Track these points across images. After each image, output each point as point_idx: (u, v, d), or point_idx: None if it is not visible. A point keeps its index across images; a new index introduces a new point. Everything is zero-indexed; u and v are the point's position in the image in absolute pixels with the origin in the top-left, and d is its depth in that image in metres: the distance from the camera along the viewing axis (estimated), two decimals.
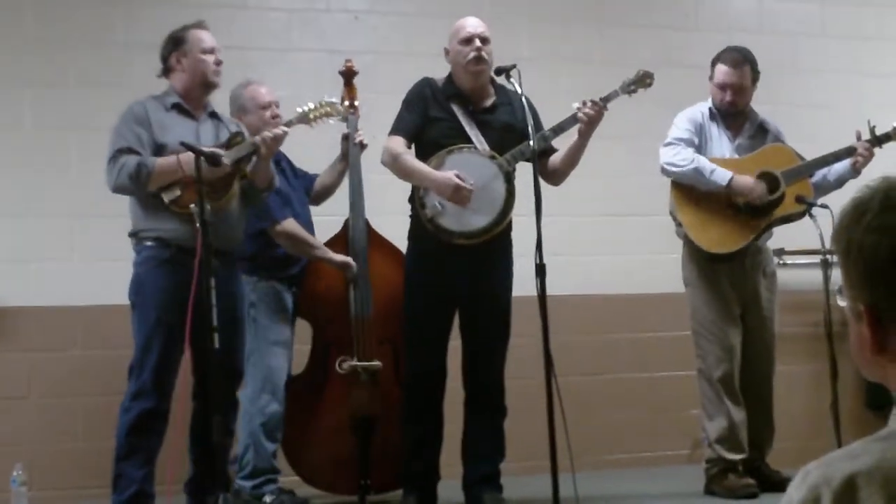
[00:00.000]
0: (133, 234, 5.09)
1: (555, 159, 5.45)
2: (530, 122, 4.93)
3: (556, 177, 5.48)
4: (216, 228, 4.76)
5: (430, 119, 5.35)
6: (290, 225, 5.55)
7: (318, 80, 5.88)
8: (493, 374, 5.40)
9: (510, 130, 5.34)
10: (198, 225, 4.55)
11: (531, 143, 4.95)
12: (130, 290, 5.07)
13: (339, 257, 5.59)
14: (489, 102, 5.45)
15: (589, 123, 5.23)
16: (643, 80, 5.42)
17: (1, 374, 6.10)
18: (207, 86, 5.18)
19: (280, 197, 5.54)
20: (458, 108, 5.37)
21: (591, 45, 7.22)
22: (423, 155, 5.32)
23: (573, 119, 5.25)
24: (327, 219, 5.89)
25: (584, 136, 5.28)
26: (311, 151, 5.97)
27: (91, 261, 6.16)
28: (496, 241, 5.31)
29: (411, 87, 5.46)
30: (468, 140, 5.31)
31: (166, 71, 5.20)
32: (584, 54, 7.16)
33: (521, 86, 4.94)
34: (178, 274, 4.86)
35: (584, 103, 5.24)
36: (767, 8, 7.66)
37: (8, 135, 6.27)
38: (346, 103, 5.79)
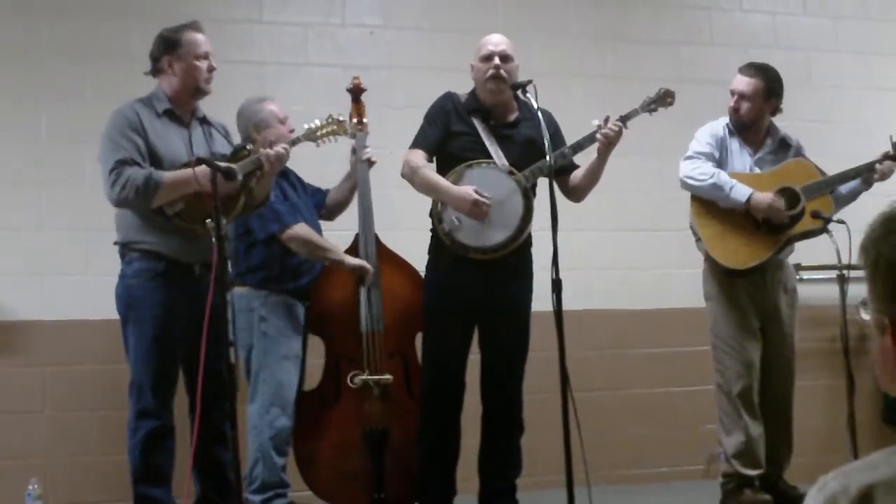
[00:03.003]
0: (123, 245, 5.03)
1: (576, 176, 5.44)
2: (546, 136, 4.89)
3: (576, 194, 5.48)
4: (203, 241, 4.73)
5: (451, 133, 5.35)
6: (302, 228, 5.53)
7: (332, 95, 5.88)
8: (511, 389, 5.38)
9: (531, 146, 5.30)
10: (214, 240, 4.41)
11: (548, 158, 4.92)
12: (121, 304, 5.00)
13: (354, 260, 5.57)
14: (512, 118, 5.44)
15: (608, 143, 5.22)
16: (664, 99, 5.41)
17: (16, 387, 6.11)
18: (199, 92, 5.10)
19: (290, 204, 5.55)
20: (479, 123, 5.36)
21: (605, 60, 7.23)
22: (443, 169, 5.32)
23: (592, 137, 5.24)
24: (338, 233, 5.88)
25: (604, 155, 5.27)
26: (322, 167, 5.98)
27: (106, 274, 6.11)
28: (516, 255, 5.30)
29: (434, 102, 5.46)
30: (488, 155, 5.30)
31: (156, 71, 5.12)
32: (597, 69, 7.16)
33: (536, 101, 4.93)
34: (172, 288, 4.86)
35: (606, 121, 5.23)
36: (782, 23, 7.66)
37: (23, 148, 6.27)
38: (354, 120, 5.81)
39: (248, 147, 5.05)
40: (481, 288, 5.23)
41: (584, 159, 5.42)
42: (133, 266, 4.97)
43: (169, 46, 5.07)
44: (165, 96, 5.08)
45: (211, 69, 5.08)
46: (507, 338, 5.37)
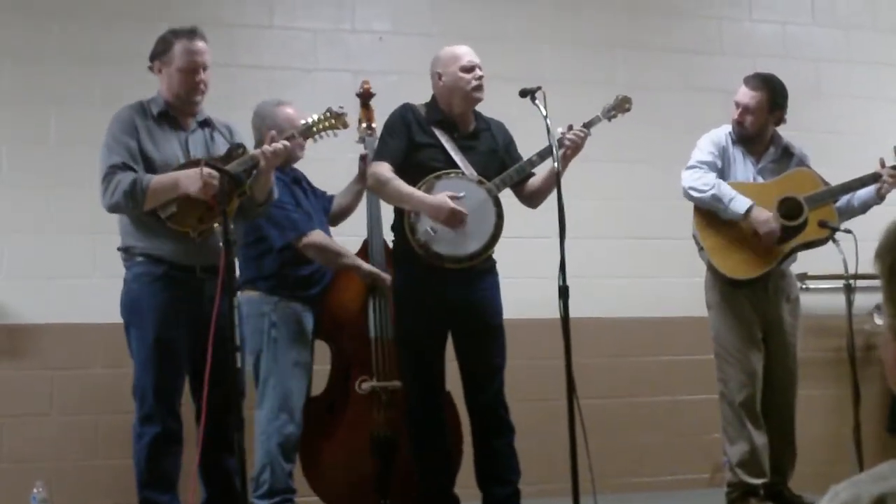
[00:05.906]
0: (124, 250, 5.00)
1: (533, 183, 5.47)
2: (554, 143, 4.91)
3: (534, 199, 5.49)
4: (205, 244, 4.74)
5: (414, 144, 5.32)
6: (318, 235, 5.54)
7: (342, 100, 5.84)
8: (494, 392, 5.32)
9: (493, 156, 5.39)
10: (221, 244, 4.42)
11: (555, 164, 4.93)
12: (123, 308, 4.98)
13: (369, 267, 5.60)
14: (471, 128, 5.45)
15: (573, 149, 5.26)
16: (622, 105, 5.49)
17: (22, 391, 6.12)
18: (187, 102, 5.02)
19: (304, 211, 5.55)
20: (441, 134, 5.35)
21: (615, 69, 7.23)
22: (408, 180, 5.23)
23: (559, 143, 5.23)
24: (346, 239, 5.89)
25: (567, 161, 5.28)
26: (330, 171, 5.99)
27: (113, 277, 6.10)
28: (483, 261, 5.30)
29: (392, 113, 5.43)
30: (454, 165, 5.29)
31: (152, 71, 5.06)
32: (606, 77, 7.16)
33: (545, 107, 4.92)
34: (172, 291, 4.83)
35: (570, 128, 5.27)
36: (791, 33, 7.67)
37: (32, 151, 6.30)
38: (364, 125, 5.85)
39: (242, 146, 4.93)
40: (450, 294, 5.20)
41: (542, 166, 5.42)
42: (133, 270, 4.95)
43: (160, 50, 5.02)
44: (162, 99, 5.03)
45: (197, 83, 4.97)
46: (481, 341, 5.31)
